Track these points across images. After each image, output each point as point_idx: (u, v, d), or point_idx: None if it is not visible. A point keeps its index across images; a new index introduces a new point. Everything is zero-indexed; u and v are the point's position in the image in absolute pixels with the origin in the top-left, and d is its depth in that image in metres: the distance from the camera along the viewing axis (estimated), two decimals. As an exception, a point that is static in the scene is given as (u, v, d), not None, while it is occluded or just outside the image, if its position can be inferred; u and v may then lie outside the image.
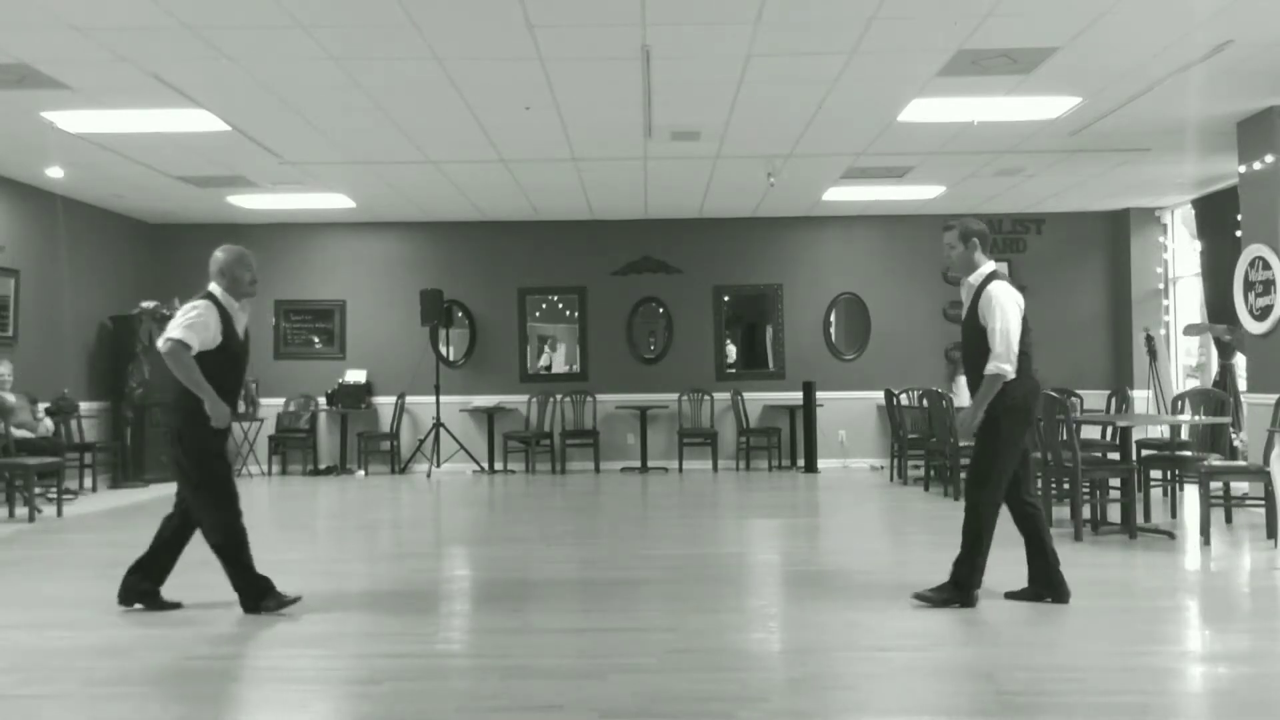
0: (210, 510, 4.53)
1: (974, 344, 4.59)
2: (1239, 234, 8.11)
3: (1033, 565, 4.69)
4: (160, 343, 4.50)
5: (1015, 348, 4.47)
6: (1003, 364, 4.44)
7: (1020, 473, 4.69)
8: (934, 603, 4.57)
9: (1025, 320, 4.55)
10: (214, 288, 4.64)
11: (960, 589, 4.57)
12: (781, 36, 5.65)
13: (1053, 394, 6.73)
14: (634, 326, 11.67)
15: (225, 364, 4.56)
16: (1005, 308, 4.49)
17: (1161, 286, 11.22)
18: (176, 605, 4.67)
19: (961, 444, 8.12)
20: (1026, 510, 4.66)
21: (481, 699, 3.41)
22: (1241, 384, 8.68)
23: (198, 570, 5.68)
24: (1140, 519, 6.71)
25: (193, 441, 4.49)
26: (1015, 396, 4.50)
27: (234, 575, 4.57)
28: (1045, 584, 4.66)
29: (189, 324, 4.45)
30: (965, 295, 4.72)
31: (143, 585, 4.65)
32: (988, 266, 4.67)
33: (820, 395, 11.02)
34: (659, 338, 11.71)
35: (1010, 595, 4.72)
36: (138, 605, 4.65)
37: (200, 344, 4.46)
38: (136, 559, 4.67)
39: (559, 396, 11.47)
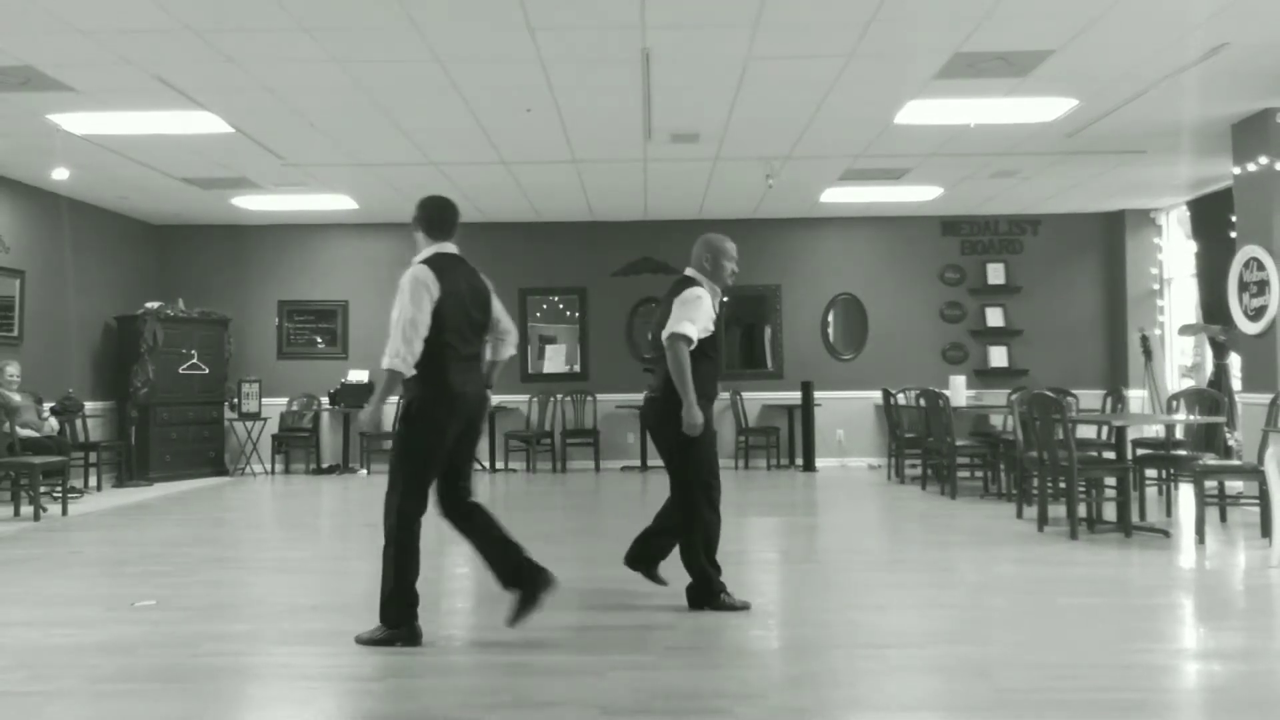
0: (693, 504, 4.43)
1: None
2: (1233, 235, 8.17)
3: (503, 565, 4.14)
4: (664, 338, 4.31)
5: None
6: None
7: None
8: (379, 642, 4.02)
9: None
10: (692, 273, 4.36)
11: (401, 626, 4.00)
12: (780, 39, 5.70)
13: (1048, 393, 6.79)
14: (634, 326, 11.71)
15: (706, 361, 4.31)
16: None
17: (1156, 287, 11.26)
18: (661, 582, 4.75)
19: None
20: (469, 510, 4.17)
21: (482, 695, 3.45)
22: (1236, 384, 8.74)
23: (203, 569, 5.75)
24: (1136, 517, 6.77)
25: (680, 435, 4.30)
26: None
27: (695, 569, 4.48)
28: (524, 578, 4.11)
29: (690, 316, 4.19)
30: None
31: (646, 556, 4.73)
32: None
33: (818, 395, 11.06)
34: (659, 338, 11.72)
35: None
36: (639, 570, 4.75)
37: (698, 333, 4.21)
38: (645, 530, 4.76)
39: (559, 396, 11.51)
